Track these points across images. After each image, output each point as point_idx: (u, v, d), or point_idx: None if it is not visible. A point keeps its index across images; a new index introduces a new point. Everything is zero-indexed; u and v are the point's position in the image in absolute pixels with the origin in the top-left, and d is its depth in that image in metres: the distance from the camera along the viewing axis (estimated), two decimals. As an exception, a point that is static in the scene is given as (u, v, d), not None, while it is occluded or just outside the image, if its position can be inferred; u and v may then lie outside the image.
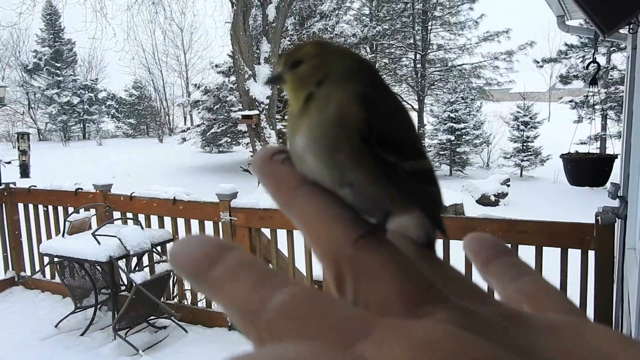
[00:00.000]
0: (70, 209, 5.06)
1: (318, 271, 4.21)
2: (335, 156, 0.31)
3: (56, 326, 4.52)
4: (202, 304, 4.84)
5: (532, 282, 0.31)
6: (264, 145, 15.68)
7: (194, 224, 4.68)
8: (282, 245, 4.34)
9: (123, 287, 4.51)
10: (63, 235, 4.54)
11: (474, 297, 0.28)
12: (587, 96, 17.51)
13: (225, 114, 21.50)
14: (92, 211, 5.05)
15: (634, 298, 2.12)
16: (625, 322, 2.86)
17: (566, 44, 18.56)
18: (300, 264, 4.30)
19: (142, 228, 4.53)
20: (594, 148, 16.18)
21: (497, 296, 0.32)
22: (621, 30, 3.58)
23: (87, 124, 37.94)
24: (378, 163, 0.32)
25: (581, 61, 18.32)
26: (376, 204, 0.32)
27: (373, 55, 25.32)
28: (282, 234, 4.28)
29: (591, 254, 3.38)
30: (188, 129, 25.19)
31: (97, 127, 38.20)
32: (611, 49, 16.25)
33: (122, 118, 38.50)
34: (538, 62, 19.90)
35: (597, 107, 15.78)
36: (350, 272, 0.27)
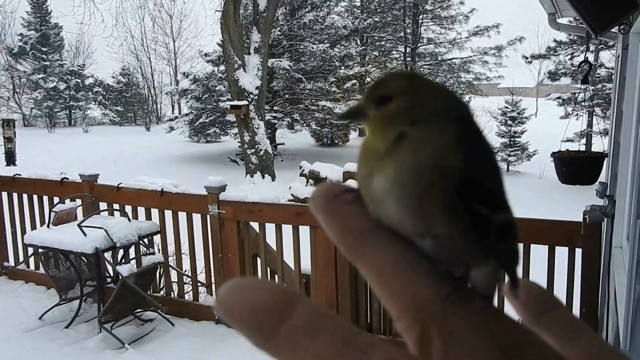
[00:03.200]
0: (56, 199, 5.00)
1: (306, 265, 4.20)
2: (424, 205, 0.28)
3: (40, 318, 4.47)
4: (189, 297, 4.81)
5: (596, 345, 0.31)
6: (252, 137, 15.61)
7: (182, 216, 4.64)
8: (271, 239, 4.32)
9: (109, 280, 4.47)
10: (48, 226, 4.48)
11: None
12: (575, 93, 17.66)
13: (214, 104, 21.36)
14: (78, 202, 4.99)
15: (622, 297, 2.14)
16: (611, 320, 2.89)
17: (555, 41, 18.64)
18: (288, 258, 4.29)
19: (129, 220, 4.48)
20: (580, 145, 16.34)
21: None
22: (612, 30, 3.59)
23: (73, 111, 37.43)
24: (470, 215, 0.29)
25: (570, 58, 18.43)
26: (458, 257, 0.30)
27: (363, 47, 25.28)
28: (270, 228, 4.26)
29: (578, 252, 3.41)
30: (176, 117, 24.99)
31: (84, 114, 37.71)
32: (599, 46, 16.36)
33: (109, 105, 38.01)
34: (527, 58, 19.98)
35: (584, 104, 15.91)
36: (440, 332, 0.26)
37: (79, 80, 36.43)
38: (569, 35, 16.60)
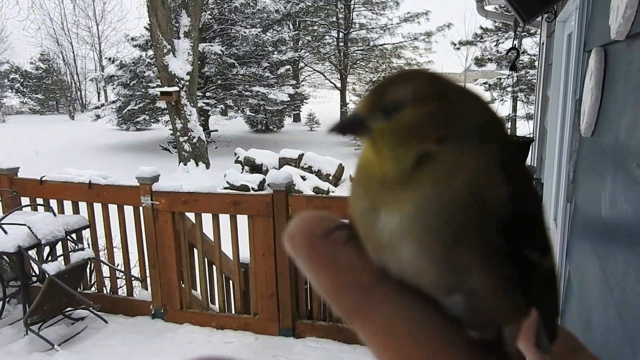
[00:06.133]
0: (-29, 195, 4.64)
1: (245, 254, 4.14)
2: (457, 252, 0.21)
3: (-42, 323, 4.16)
4: (122, 293, 4.64)
5: None
6: (184, 124, 15.19)
7: (112, 209, 4.44)
8: (208, 230, 4.22)
9: (35, 279, 4.22)
10: (-37, 224, 4.16)
11: None
12: (500, 79, 18.40)
13: (143, 90, 20.62)
14: (-3, 197, 4.66)
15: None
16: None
17: (482, 28, 19.32)
18: (226, 247, 4.21)
19: (54, 215, 4.24)
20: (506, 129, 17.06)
21: None
22: (537, 18, 3.73)
23: (-13, 99, 35.05)
24: (517, 263, 0.22)
25: (495, 45, 19.17)
26: (493, 317, 0.23)
27: (296, 32, 25.15)
28: (207, 217, 4.16)
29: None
30: (102, 105, 23.98)
31: (0, 102, 35.39)
32: (522, 34, 17.10)
33: (28, 93, 35.84)
34: (455, 44, 20.59)
35: (508, 89, 16.61)
36: None
37: (-7, 66, 34.10)
38: (495, 23, 17.24)
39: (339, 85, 26.27)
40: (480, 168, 0.22)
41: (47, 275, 3.76)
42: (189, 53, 15.37)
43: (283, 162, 13.58)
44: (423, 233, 0.21)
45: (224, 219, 4.07)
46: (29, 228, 3.90)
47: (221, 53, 19.47)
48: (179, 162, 15.68)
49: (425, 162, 0.22)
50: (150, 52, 18.23)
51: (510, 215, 0.22)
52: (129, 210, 4.37)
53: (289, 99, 21.46)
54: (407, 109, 0.23)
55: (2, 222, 3.91)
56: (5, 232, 3.85)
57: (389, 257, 0.23)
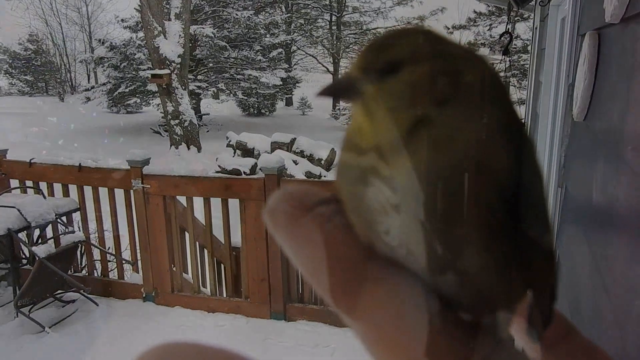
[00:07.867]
0: (-41, 177, 4.59)
1: (236, 238, 4.14)
2: (454, 226, 0.20)
3: (-52, 305, 4.14)
4: (113, 275, 4.63)
5: None
6: (175, 107, 15.07)
7: (103, 192, 4.41)
8: (199, 213, 4.21)
9: (25, 261, 4.20)
10: (-48, 207, 4.12)
11: None
12: (493, 64, 18.44)
13: (134, 73, 20.42)
14: (-15, 179, 4.61)
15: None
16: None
17: (475, 12, 19.25)
18: (218, 231, 4.21)
19: (44, 197, 4.21)
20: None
21: None
22: (531, 2, 3.71)
23: (-25, 80, 34.57)
24: (518, 240, 0.21)
25: (488, 29, 19.13)
26: (487, 298, 0.21)
27: (288, 15, 24.93)
28: (198, 201, 4.15)
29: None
30: (92, 87, 23.70)
31: (-12, 83, 34.95)
32: (515, 18, 17.07)
33: (16, 74, 35.37)
34: (448, 28, 20.51)
35: (501, 74, 16.55)
36: None
37: (-19, 47, 33.58)
38: (488, 7, 17.18)
39: (331, 69, 26.14)
40: (484, 134, 0.20)
41: (37, 258, 3.74)
42: (180, 35, 15.20)
43: (275, 146, 13.53)
44: (417, 204, 0.20)
45: (216, 203, 4.06)
46: (19, 210, 3.87)
47: (213, 35, 19.27)
48: (170, 146, 15.60)
49: (423, 127, 0.20)
50: (141, 34, 18.01)
51: (513, 187, 0.20)
52: (119, 193, 4.34)
53: (281, 82, 21.33)
54: (403, 69, 0.21)
55: (-10, 204, 3.87)
56: (-6, 215, 3.82)
57: (379, 232, 0.21)
